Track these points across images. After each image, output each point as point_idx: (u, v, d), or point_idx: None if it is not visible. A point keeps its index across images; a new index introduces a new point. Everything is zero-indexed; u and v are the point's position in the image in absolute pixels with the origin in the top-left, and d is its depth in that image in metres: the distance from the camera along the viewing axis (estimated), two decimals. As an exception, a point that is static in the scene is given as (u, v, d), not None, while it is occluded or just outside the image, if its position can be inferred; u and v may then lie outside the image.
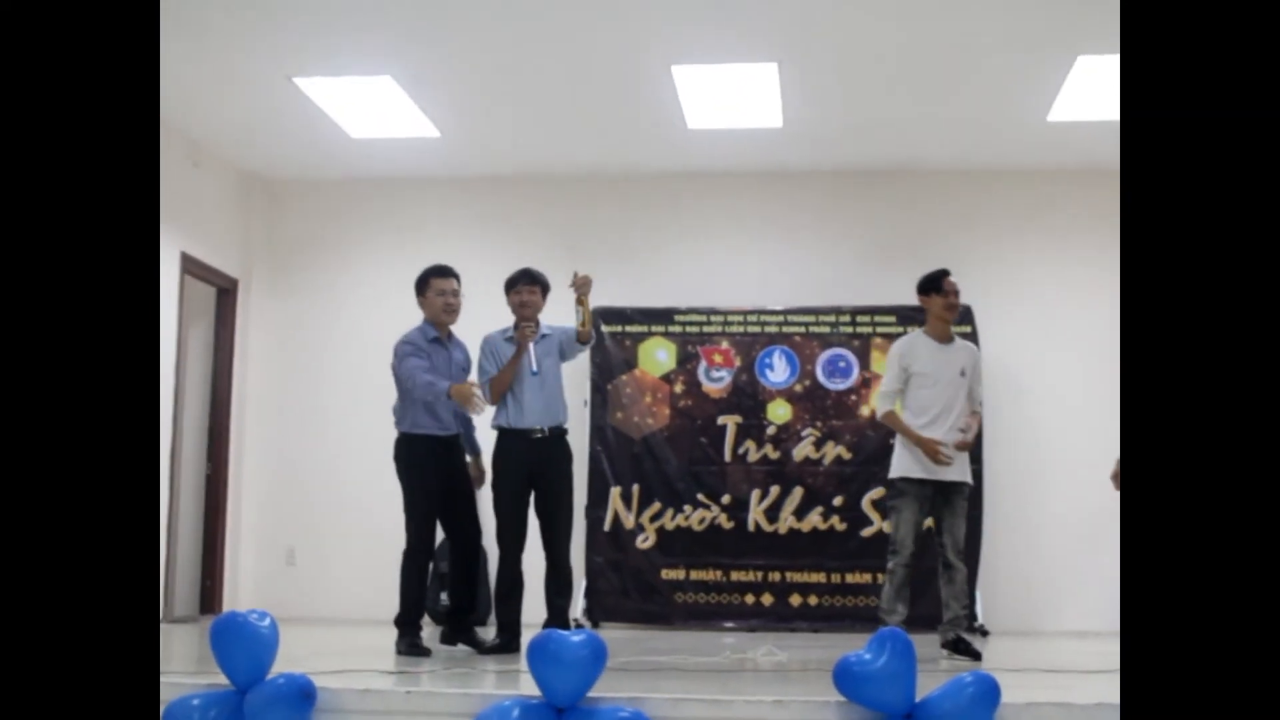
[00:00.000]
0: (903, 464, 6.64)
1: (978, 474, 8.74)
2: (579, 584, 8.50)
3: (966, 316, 8.92)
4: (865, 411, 8.71)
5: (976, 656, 6.42)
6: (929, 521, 6.75)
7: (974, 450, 8.71)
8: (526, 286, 6.70)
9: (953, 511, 6.62)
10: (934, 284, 6.75)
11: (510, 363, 6.59)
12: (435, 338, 6.81)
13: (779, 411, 8.98)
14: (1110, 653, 6.20)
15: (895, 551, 6.59)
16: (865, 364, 8.88)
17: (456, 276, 6.89)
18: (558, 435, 6.69)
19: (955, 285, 6.73)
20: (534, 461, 6.61)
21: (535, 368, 6.53)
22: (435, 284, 6.84)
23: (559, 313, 6.91)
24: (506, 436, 6.66)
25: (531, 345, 6.56)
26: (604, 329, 9.15)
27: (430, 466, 6.67)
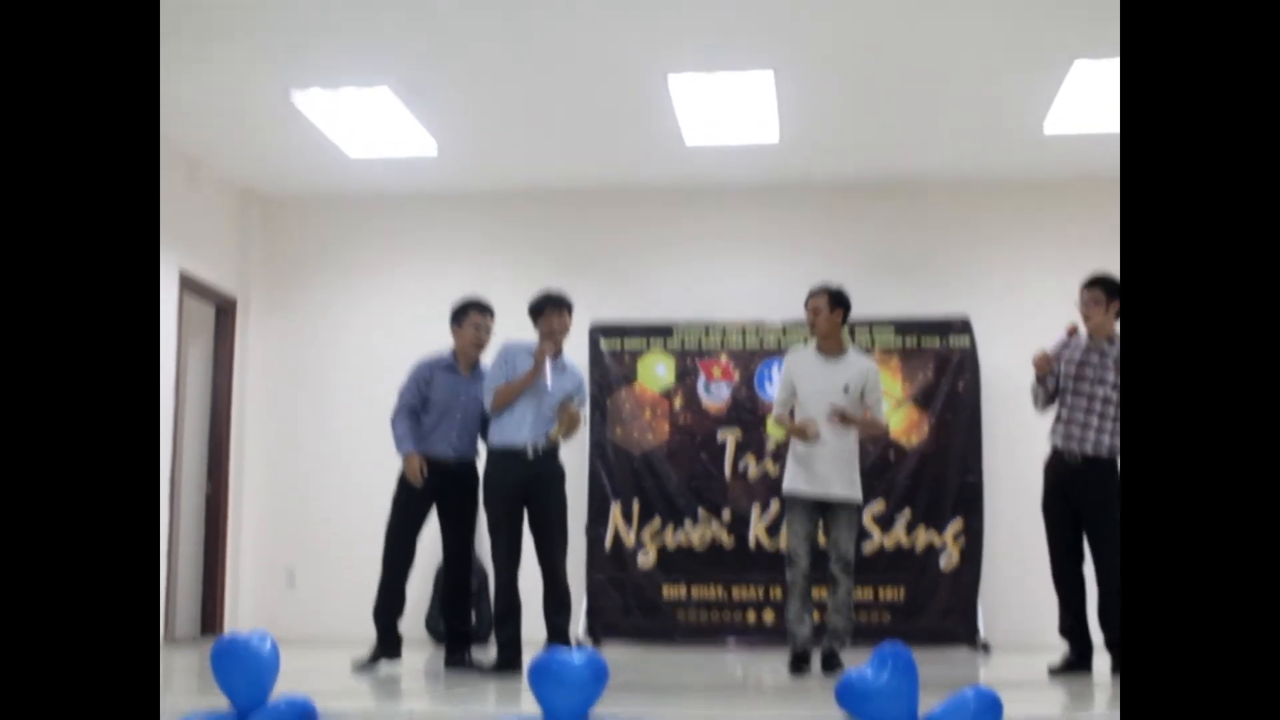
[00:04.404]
0: (790, 479, 6.79)
1: (976, 485, 8.76)
2: (580, 602, 8.49)
3: (965, 327, 8.93)
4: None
5: (833, 668, 6.55)
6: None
7: (972, 461, 8.75)
8: (555, 313, 6.70)
9: (837, 525, 6.71)
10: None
11: (525, 376, 6.58)
12: (450, 365, 6.99)
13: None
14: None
15: (789, 564, 6.72)
16: (864, 378, 8.86)
17: (492, 313, 7.07)
18: (550, 453, 6.68)
19: (813, 304, 6.87)
20: (526, 480, 6.60)
21: (550, 386, 6.54)
22: (474, 317, 7.01)
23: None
24: (498, 455, 6.65)
25: (549, 363, 6.55)
26: (603, 345, 9.16)
27: (411, 484, 6.85)
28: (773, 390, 8.97)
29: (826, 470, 6.65)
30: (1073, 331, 6.59)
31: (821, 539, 6.85)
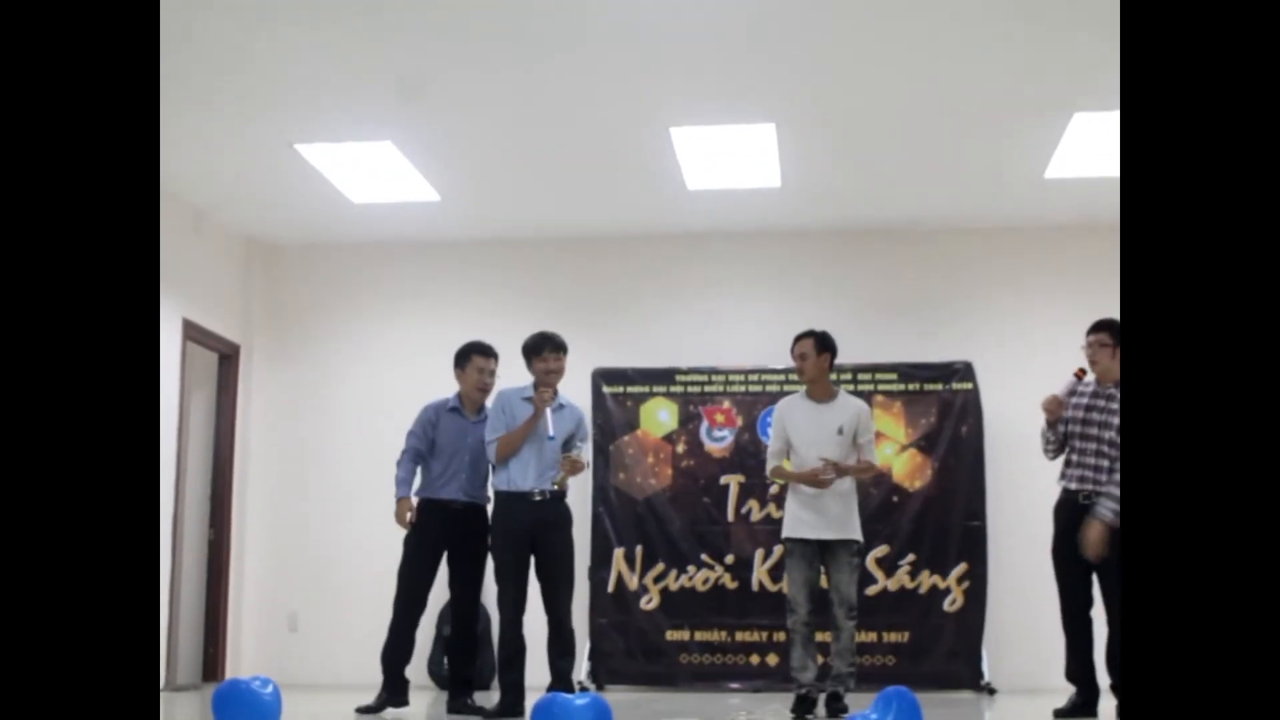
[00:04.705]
0: (789, 524, 6.85)
1: (980, 529, 8.75)
2: (583, 646, 8.46)
3: (967, 371, 8.94)
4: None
5: (838, 713, 6.59)
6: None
7: (975, 505, 8.75)
8: (553, 354, 6.71)
9: (838, 569, 6.75)
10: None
11: (525, 425, 6.58)
12: (454, 408, 7.03)
13: (781, 470, 8.96)
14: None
15: (790, 610, 6.76)
16: (867, 422, 8.86)
17: (496, 356, 7.14)
18: (557, 498, 6.67)
19: (799, 349, 6.94)
20: (534, 524, 6.59)
21: (552, 433, 6.53)
22: (476, 360, 7.08)
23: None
24: (506, 499, 6.65)
25: (549, 410, 6.55)
26: (605, 390, 9.16)
27: (423, 528, 6.90)
28: (775, 435, 8.99)
29: (825, 512, 6.69)
30: (1081, 374, 6.59)
31: (823, 582, 6.86)
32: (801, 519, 6.75)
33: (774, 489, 8.83)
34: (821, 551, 6.76)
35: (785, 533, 6.84)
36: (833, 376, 7.09)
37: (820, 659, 6.81)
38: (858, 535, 6.81)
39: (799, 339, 6.96)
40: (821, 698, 6.66)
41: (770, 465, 7.05)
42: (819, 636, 6.82)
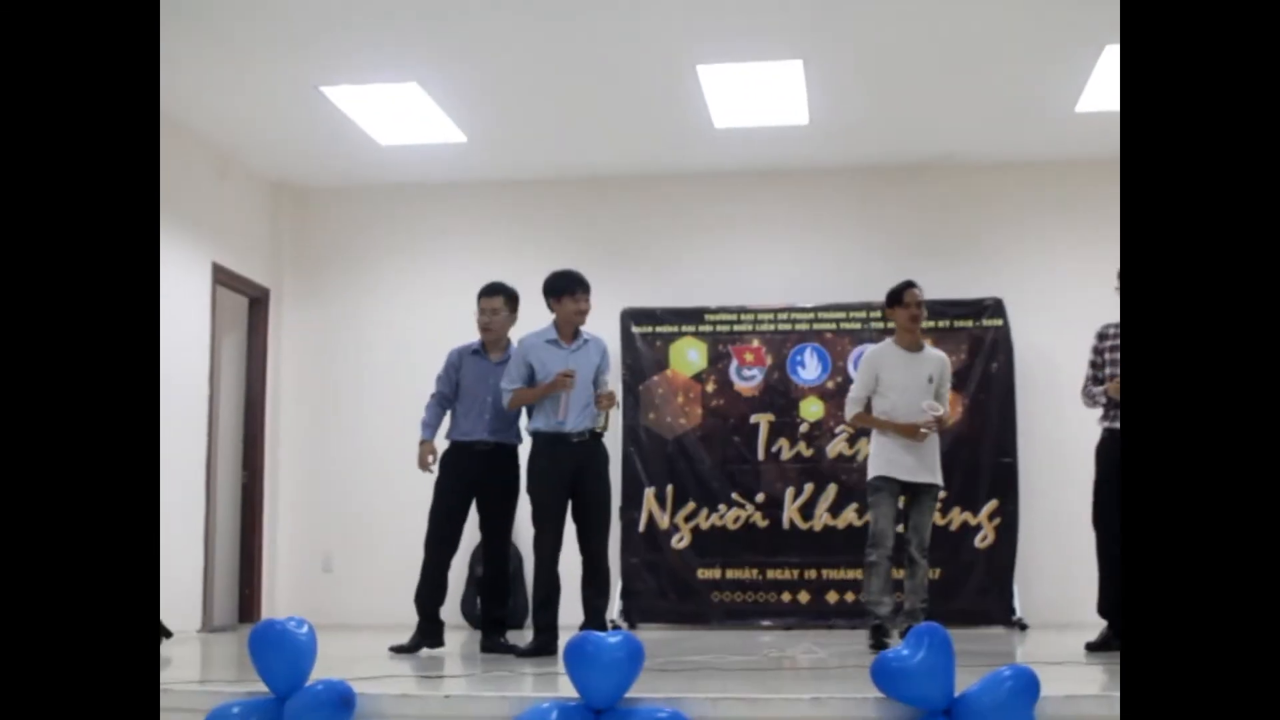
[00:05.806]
0: (878, 464, 6.89)
1: (1011, 466, 8.74)
2: (615, 585, 8.50)
3: (998, 307, 8.90)
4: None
5: None
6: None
7: (1006, 442, 8.74)
8: (584, 295, 6.67)
9: (920, 510, 6.87)
10: (897, 298, 6.98)
11: (544, 389, 6.54)
12: (477, 350, 7.05)
13: (811, 409, 8.96)
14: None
15: (875, 545, 6.83)
16: (897, 359, 8.84)
17: (496, 293, 7.05)
18: (596, 438, 6.66)
19: (917, 296, 6.94)
20: (574, 467, 6.58)
21: (562, 417, 6.53)
22: (480, 302, 7.05)
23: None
24: (545, 440, 6.63)
25: (567, 395, 6.54)
26: (634, 330, 9.16)
27: (451, 470, 6.93)
28: (805, 374, 8.99)
29: (916, 456, 6.82)
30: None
31: None
32: (895, 460, 6.83)
33: (804, 427, 8.85)
34: (903, 492, 6.84)
35: (876, 471, 6.88)
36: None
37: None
38: (941, 479, 6.93)
39: (910, 287, 6.95)
40: (895, 632, 6.75)
41: (851, 411, 7.08)
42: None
